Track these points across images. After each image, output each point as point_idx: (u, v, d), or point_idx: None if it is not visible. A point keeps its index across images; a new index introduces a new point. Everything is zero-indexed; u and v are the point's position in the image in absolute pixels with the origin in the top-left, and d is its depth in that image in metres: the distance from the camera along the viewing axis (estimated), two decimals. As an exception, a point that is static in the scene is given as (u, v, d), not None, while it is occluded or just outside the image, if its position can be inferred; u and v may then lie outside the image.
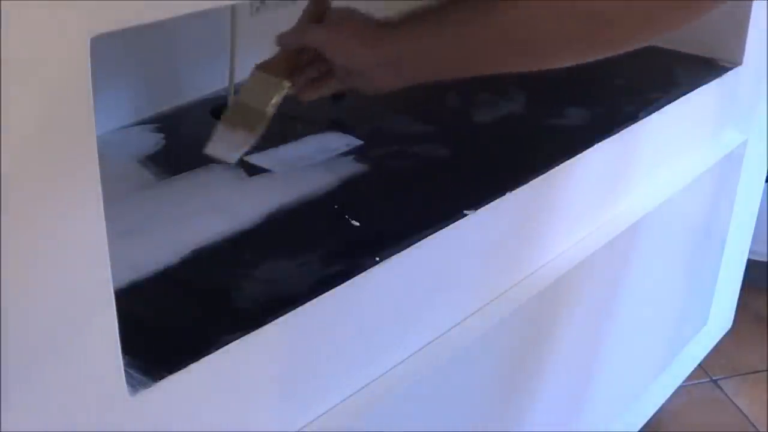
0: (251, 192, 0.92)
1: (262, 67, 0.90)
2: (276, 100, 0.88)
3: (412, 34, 0.83)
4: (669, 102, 1.19)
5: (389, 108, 1.11)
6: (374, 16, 0.86)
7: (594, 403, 1.31)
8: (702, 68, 1.32)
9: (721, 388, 1.78)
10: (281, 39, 0.91)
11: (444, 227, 0.89)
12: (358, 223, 0.88)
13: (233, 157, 0.90)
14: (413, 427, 0.93)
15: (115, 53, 0.96)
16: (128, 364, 0.65)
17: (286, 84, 0.89)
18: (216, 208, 0.89)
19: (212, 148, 0.88)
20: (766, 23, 1.38)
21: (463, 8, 0.79)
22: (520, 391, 1.12)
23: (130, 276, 0.77)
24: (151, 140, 1.02)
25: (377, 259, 0.83)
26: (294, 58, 0.90)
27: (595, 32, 0.75)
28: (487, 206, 0.93)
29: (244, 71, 1.13)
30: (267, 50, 1.20)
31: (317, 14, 0.90)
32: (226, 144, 0.88)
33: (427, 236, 0.87)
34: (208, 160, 0.97)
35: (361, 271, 0.82)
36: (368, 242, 0.85)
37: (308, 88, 0.92)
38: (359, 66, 0.86)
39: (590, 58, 0.78)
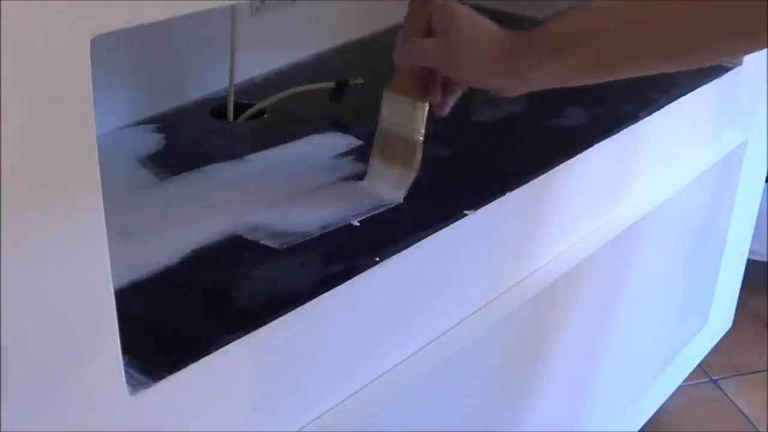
0: (251, 192, 0.92)
1: (394, 89, 0.87)
2: (421, 125, 0.86)
3: (542, 50, 0.76)
4: (669, 102, 1.19)
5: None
6: (485, 20, 0.81)
7: (594, 403, 1.31)
8: (702, 68, 1.32)
9: (721, 388, 1.78)
10: (398, 57, 0.86)
11: (444, 227, 0.89)
12: (358, 223, 0.88)
13: (399, 196, 0.88)
14: (413, 427, 0.93)
15: (115, 53, 0.96)
16: (128, 364, 0.65)
17: (425, 105, 0.86)
18: (216, 209, 0.89)
19: (374, 187, 0.88)
20: (766, 23, 1.38)
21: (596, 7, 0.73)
22: (520, 391, 1.12)
23: (130, 276, 0.77)
24: (151, 140, 1.02)
25: (377, 259, 0.83)
26: (418, 72, 0.86)
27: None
28: (487, 206, 0.93)
29: (244, 71, 1.14)
30: (267, 50, 1.21)
31: (423, 19, 0.84)
32: (387, 182, 0.88)
33: (427, 236, 0.87)
34: (208, 160, 0.97)
35: (361, 271, 0.82)
36: (368, 242, 0.85)
37: (443, 102, 0.87)
38: (485, 85, 0.82)
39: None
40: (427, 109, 0.85)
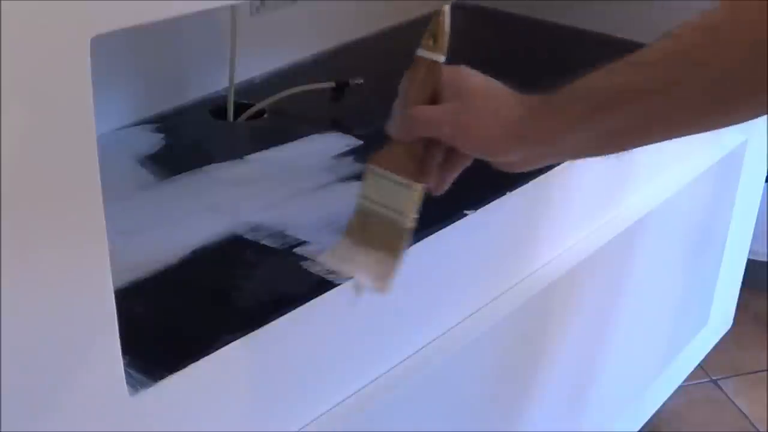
0: (251, 192, 0.92)
1: (381, 163, 0.73)
2: (414, 209, 0.72)
3: (571, 113, 0.67)
4: (669, 102, 1.19)
5: (389, 108, 1.11)
6: (498, 84, 0.71)
7: (594, 403, 1.31)
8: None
9: (721, 388, 1.78)
10: (394, 131, 0.73)
11: (444, 227, 0.89)
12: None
13: (385, 288, 0.74)
14: (413, 427, 0.93)
15: (115, 53, 0.96)
16: (128, 364, 0.65)
17: (420, 186, 0.72)
18: (216, 209, 0.89)
19: (346, 270, 0.75)
20: (766, 23, 1.38)
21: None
22: (520, 390, 1.12)
23: (130, 276, 0.77)
24: (151, 140, 1.02)
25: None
26: (414, 147, 0.72)
27: None
28: (487, 206, 0.93)
29: (244, 71, 1.14)
30: (267, 50, 1.21)
31: (428, 86, 0.72)
32: (365, 268, 0.73)
33: (427, 236, 0.87)
34: (208, 160, 0.97)
35: (361, 271, 0.82)
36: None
37: (441, 181, 0.75)
38: (503, 159, 0.71)
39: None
40: (422, 191, 0.72)
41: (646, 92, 0.64)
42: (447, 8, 0.71)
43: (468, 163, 0.75)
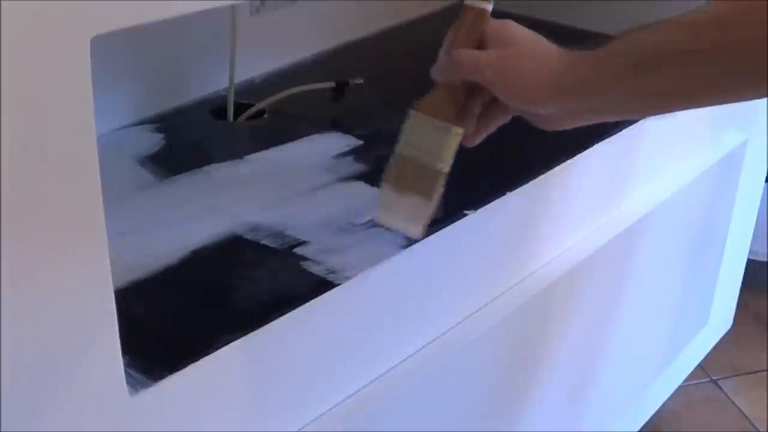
0: (251, 192, 0.92)
1: (422, 109, 0.73)
2: (450, 152, 0.73)
3: (616, 68, 0.66)
4: (669, 102, 1.19)
5: (389, 108, 1.11)
6: (544, 39, 0.72)
7: (594, 403, 1.31)
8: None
9: (721, 388, 1.78)
10: (437, 71, 0.74)
11: (444, 227, 0.89)
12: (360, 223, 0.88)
13: (416, 230, 0.75)
14: (413, 427, 0.93)
15: (115, 53, 0.96)
16: (128, 364, 0.65)
17: (459, 130, 0.73)
18: (216, 209, 0.89)
19: (385, 218, 0.76)
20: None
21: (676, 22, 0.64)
22: (520, 391, 1.12)
23: (130, 276, 0.77)
24: (151, 140, 1.02)
25: (377, 258, 0.83)
26: (457, 93, 0.73)
27: None
28: (487, 206, 0.93)
29: (244, 71, 1.14)
30: (267, 50, 1.21)
31: (475, 33, 0.73)
32: (401, 214, 0.74)
33: (427, 236, 0.87)
34: (208, 160, 0.97)
35: (361, 271, 0.82)
36: (368, 242, 0.85)
37: (477, 132, 0.75)
38: (543, 110, 0.71)
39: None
40: (460, 137, 0.73)
41: (690, 53, 0.64)
42: None
43: (506, 119, 0.76)
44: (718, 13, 0.63)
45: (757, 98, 0.66)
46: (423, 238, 0.78)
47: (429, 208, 0.74)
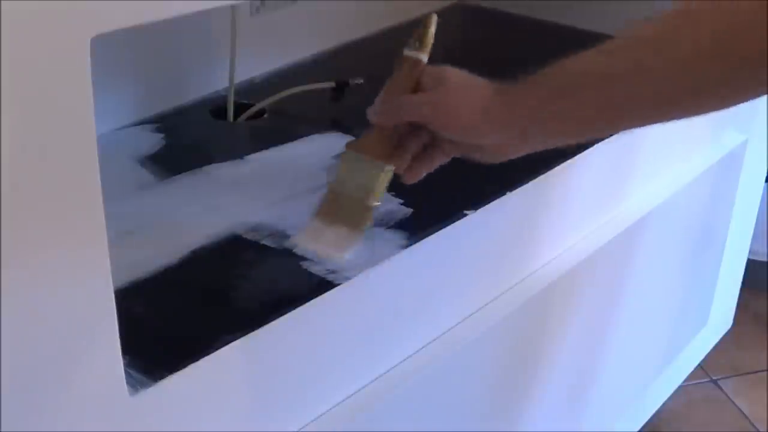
0: (250, 192, 0.92)
1: (356, 148, 0.79)
2: (379, 188, 0.77)
3: (539, 94, 0.69)
4: (669, 102, 1.19)
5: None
6: (476, 76, 0.75)
7: (594, 403, 1.31)
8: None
9: (721, 388, 1.78)
10: (374, 115, 0.78)
11: (444, 227, 0.89)
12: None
13: (340, 254, 0.78)
14: (413, 427, 0.93)
15: (115, 53, 0.96)
16: (128, 364, 0.65)
17: (388, 168, 0.77)
18: (216, 209, 0.89)
19: (307, 244, 0.79)
20: (766, 23, 1.37)
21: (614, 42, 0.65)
22: (520, 390, 1.12)
23: (130, 276, 0.77)
24: (151, 140, 1.02)
25: (377, 258, 0.83)
26: (391, 134, 0.78)
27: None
28: (487, 206, 0.93)
29: (244, 71, 1.14)
30: (267, 50, 1.21)
31: (411, 80, 0.77)
32: (326, 241, 0.77)
33: (427, 236, 0.87)
34: (208, 160, 0.97)
35: (361, 271, 0.82)
36: (368, 242, 0.85)
37: (413, 169, 0.79)
38: (476, 139, 0.74)
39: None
40: (391, 174, 0.77)
41: (608, 77, 0.66)
42: (434, 17, 0.79)
43: (445, 159, 0.79)
44: (637, 35, 0.65)
45: (680, 118, 0.68)
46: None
47: (356, 237, 0.78)
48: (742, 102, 0.64)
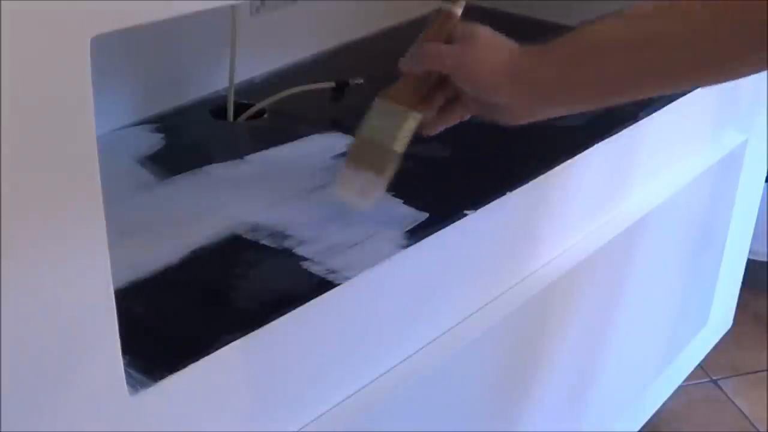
0: (250, 192, 0.92)
1: (386, 96, 0.81)
2: (405, 135, 0.80)
3: (561, 57, 0.72)
4: (669, 102, 1.19)
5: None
6: (506, 39, 0.78)
7: (594, 403, 1.31)
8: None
9: (721, 388, 1.78)
10: (405, 62, 0.81)
11: (444, 227, 0.89)
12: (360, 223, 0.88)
13: (366, 203, 0.82)
14: (413, 427, 0.93)
15: (115, 53, 0.96)
16: (128, 364, 0.65)
17: (416, 115, 0.80)
18: (216, 209, 0.89)
19: (341, 191, 0.83)
20: (766, 23, 1.37)
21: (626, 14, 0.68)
22: (520, 391, 1.12)
23: (130, 276, 0.77)
24: (151, 140, 1.02)
25: (377, 258, 0.83)
26: (420, 84, 0.81)
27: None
28: (487, 206, 0.93)
29: (244, 71, 1.14)
30: (267, 50, 1.21)
31: (443, 31, 0.80)
32: (354, 188, 0.81)
33: (427, 236, 0.87)
34: (208, 160, 0.97)
35: (361, 271, 0.82)
36: (368, 242, 0.85)
37: (435, 120, 0.82)
38: (496, 97, 0.77)
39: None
40: (417, 121, 0.80)
41: (625, 42, 0.68)
42: None
43: (466, 115, 0.83)
44: (658, 4, 0.67)
45: (701, 86, 0.71)
46: (372, 207, 0.84)
47: (380, 183, 0.81)
48: (763, 69, 0.66)
